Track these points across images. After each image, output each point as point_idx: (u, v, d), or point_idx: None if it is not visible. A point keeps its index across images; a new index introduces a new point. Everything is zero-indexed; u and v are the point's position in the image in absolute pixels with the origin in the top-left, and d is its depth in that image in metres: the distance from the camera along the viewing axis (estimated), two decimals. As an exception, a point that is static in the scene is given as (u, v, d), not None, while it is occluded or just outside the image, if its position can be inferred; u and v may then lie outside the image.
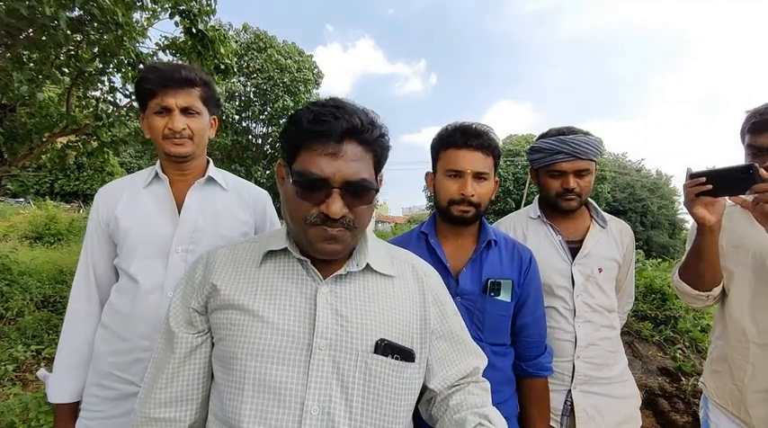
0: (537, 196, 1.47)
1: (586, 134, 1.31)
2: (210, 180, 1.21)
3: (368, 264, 0.79)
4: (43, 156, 5.70)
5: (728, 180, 1.04)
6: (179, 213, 1.13)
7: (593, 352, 1.28)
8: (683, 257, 1.28)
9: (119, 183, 1.22)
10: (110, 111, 5.39)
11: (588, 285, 1.30)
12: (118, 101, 5.48)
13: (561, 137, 1.29)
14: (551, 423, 1.23)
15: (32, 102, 4.69)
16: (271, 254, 0.79)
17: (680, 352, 3.53)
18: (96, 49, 4.84)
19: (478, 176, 1.11)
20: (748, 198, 1.06)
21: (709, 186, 1.06)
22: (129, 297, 1.08)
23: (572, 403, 1.26)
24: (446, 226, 1.20)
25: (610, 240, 1.36)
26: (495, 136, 1.15)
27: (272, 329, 0.71)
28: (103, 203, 1.16)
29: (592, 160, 1.30)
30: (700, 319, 3.84)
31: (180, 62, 5.10)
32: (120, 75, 5.29)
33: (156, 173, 1.17)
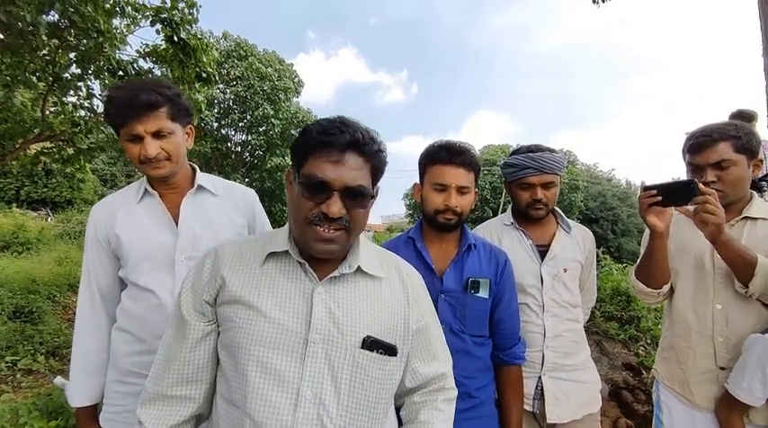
0: (510, 205, 1.64)
1: (552, 151, 1.49)
2: (200, 188, 1.24)
3: (359, 267, 0.87)
4: (14, 162, 5.53)
5: (674, 193, 1.22)
6: (176, 224, 1.18)
7: (559, 343, 1.45)
8: (639, 260, 1.47)
9: (112, 201, 1.24)
10: (87, 117, 5.29)
11: (555, 283, 1.48)
12: (95, 107, 5.40)
13: (530, 154, 1.46)
14: (524, 407, 1.38)
15: (7, 107, 4.59)
16: (273, 254, 0.86)
17: (642, 348, 3.81)
18: (74, 55, 4.78)
19: (461, 190, 1.26)
20: (690, 208, 1.23)
21: (659, 198, 1.24)
22: (143, 304, 1.15)
23: (542, 388, 1.42)
24: (431, 232, 1.34)
25: (573, 244, 1.55)
26: (475, 152, 1.32)
27: (273, 323, 0.80)
28: (101, 221, 1.19)
29: (556, 174, 1.48)
30: (660, 319, 4.14)
31: (149, 75, 5.03)
32: (98, 81, 5.23)
33: (146, 190, 1.20)
